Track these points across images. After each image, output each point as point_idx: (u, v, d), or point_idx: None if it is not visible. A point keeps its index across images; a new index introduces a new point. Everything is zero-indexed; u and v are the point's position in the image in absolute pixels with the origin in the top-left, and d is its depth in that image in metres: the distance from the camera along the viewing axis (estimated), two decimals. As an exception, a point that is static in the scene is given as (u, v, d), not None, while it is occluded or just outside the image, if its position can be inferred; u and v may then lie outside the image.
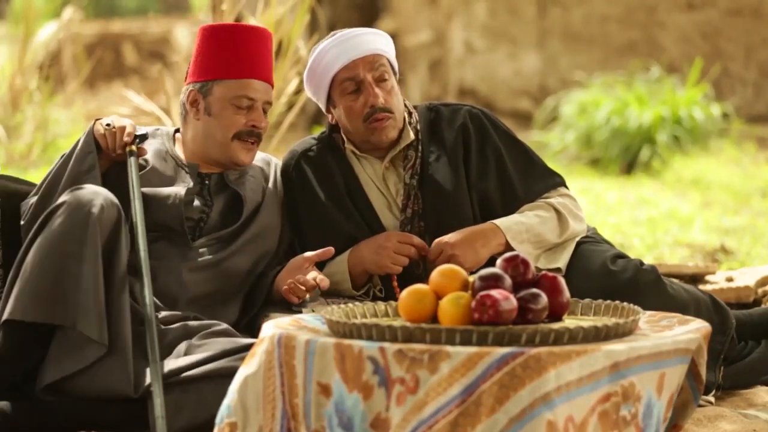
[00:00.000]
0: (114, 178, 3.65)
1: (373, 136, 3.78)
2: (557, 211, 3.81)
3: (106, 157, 3.64)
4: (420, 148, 3.85)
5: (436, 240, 3.74)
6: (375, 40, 3.81)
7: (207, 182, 3.76)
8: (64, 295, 3.26)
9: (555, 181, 3.90)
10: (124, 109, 6.24)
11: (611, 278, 3.66)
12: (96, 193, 3.34)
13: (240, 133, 3.71)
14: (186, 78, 3.79)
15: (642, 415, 2.75)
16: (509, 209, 3.83)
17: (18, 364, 3.38)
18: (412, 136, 3.84)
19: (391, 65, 3.85)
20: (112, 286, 3.34)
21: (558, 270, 3.74)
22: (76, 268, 3.28)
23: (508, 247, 3.72)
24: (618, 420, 2.70)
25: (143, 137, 3.68)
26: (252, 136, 3.73)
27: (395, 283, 3.75)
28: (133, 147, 3.63)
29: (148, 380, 3.31)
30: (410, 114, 3.89)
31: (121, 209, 3.38)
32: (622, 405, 2.71)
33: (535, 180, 3.87)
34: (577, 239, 3.83)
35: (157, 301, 3.54)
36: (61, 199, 3.35)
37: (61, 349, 3.29)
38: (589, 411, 2.66)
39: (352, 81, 3.77)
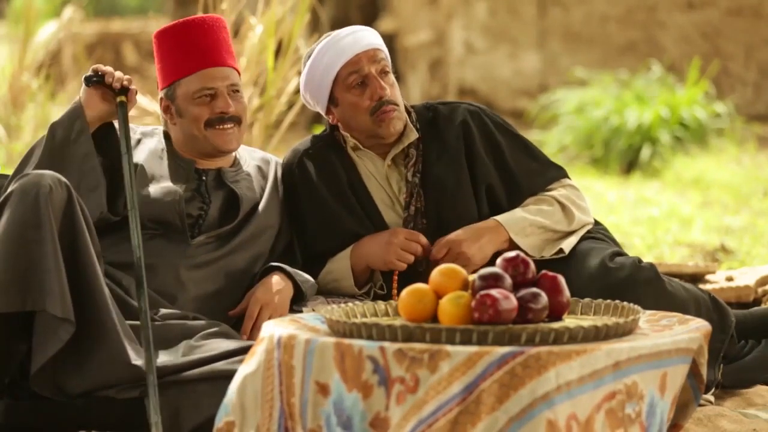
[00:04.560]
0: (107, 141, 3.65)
1: (380, 129, 3.78)
2: (561, 203, 3.83)
3: (97, 118, 3.60)
4: (421, 146, 3.86)
5: (442, 239, 3.74)
6: (371, 36, 3.83)
7: (204, 179, 3.76)
8: (32, 281, 3.25)
9: (557, 174, 3.91)
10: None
11: (609, 276, 3.66)
12: (42, 176, 3.34)
13: (210, 121, 3.70)
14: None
15: (645, 413, 2.75)
16: (514, 204, 3.84)
17: (6, 358, 3.38)
18: (415, 134, 3.84)
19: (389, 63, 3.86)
20: (79, 270, 3.33)
21: (560, 251, 3.75)
22: (38, 252, 3.27)
23: (512, 243, 3.73)
24: (624, 418, 2.71)
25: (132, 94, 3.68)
26: (223, 122, 3.72)
27: (395, 282, 3.76)
28: (123, 98, 3.60)
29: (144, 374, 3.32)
30: (409, 113, 3.90)
31: (71, 188, 3.37)
32: (627, 403, 2.71)
33: (537, 173, 3.89)
34: (584, 231, 3.84)
35: (158, 296, 3.54)
36: (9, 189, 3.34)
37: (40, 335, 3.29)
38: (594, 408, 2.66)
39: (356, 74, 3.77)
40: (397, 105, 3.79)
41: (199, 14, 5.57)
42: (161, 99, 3.77)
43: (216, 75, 3.72)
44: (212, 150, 3.73)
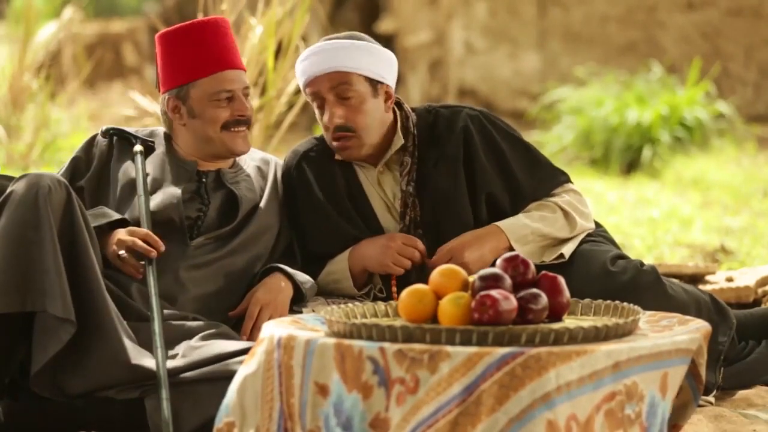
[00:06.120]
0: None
1: (338, 153, 3.81)
2: (564, 210, 3.82)
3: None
4: (416, 153, 3.85)
5: (444, 246, 3.74)
6: (344, 56, 3.75)
7: (204, 180, 3.76)
8: (32, 282, 3.26)
9: (560, 179, 3.91)
10: (128, 110, 6.23)
11: (611, 279, 3.66)
12: (41, 176, 3.35)
13: (227, 123, 3.72)
14: (158, 87, 3.80)
15: (646, 414, 2.76)
16: (516, 210, 3.83)
17: (6, 358, 3.38)
18: (402, 140, 3.82)
19: (371, 79, 3.77)
20: (79, 270, 3.33)
21: (561, 256, 3.75)
22: (37, 253, 3.28)
23: (512, 250, 3.72)
24: (623, 418, 2.71)
25: (150, 148, 3.77)
26: (239, 124, 3.74)
27: (394, 286, 3.75)
28: (140, 147, 3.67)
29: (146, 374, 3.32)
30: (407, 118, 3.88)
31: (70, 188, 3.38)
32: (627, 404, 2.71)
33: (540, 179, 3.87)
34: (584, 235, 3.84)
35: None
36: (8, 190, 3.35)
37: (40, 336, 3.29)
38: (594, 409, 2.67)
39: (315, 96, 3.78)
40: (353, 132, 3.76)
41: (200, 15, 5.58)
42: (169, 99, 3.76)
43: (233, 78, 3.73)
44: (225, 152, 3.75)
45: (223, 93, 3.71)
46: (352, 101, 3.75)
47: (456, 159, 3.83)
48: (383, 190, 3.86)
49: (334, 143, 3.78)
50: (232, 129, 3.73)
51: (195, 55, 3.72)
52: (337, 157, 3.86)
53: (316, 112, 3.81)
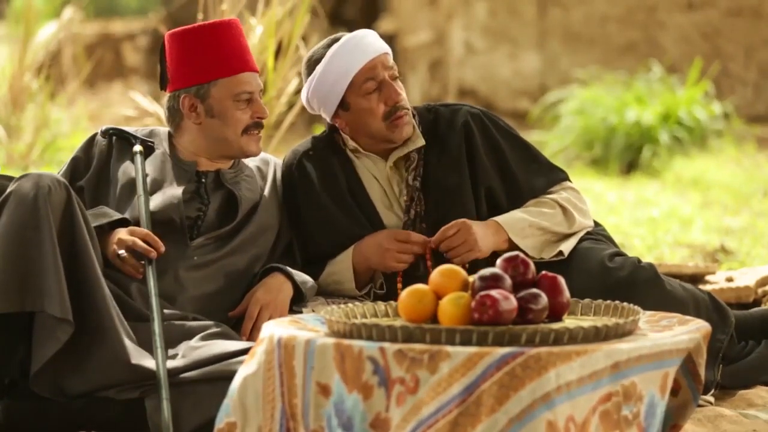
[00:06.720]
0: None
1: (393, 133, 3.79)
2: (562, 206, 3.83)
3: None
4: (422, 150, 3.86)
5: (454, 221, 3.75)
6: (379, 40, 3.84)
7: (203, 180, 3.76)
8: (31, 282, 3.26)
9: (559, 176, 3.92)
10: (128, 110, 6.23)
11: (609, 276, 3.66)
12: (40, 176, 3.35)
13: (248, 126, 3.74)
14: (165, 85, 3.78)
15: (644, 414, 2.75)
16: (514, 207, 3.84)
17: (6, 359, 3.38)
18: (422, 141, 3.84)
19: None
20: (79, 270, 3.33)
21: (560, 254, 3.75)
22: (36, 253, 3.28)
23: (511, 243, 3.74)
24: (620, 420, 2.71)
25: (149, 148, 3.76)
26: (258, 127, 3.76)
27: (399, 283, 3.76)
28: (140, 147, 3.67)
29: (146, 374, 3.32)
30: (414, 116, 3.89)
31: (70, 188, 3.38)
32: (624, 405, 2.71)
33: (538, 176, 3.89)
34: (583, 233, 3.85)
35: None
36: (8, 190, 3.35)
37: (39, 336, 3.29)
38: (590, 411, 2.67)
39: (373, 81, 3.78)
40: (408, 109, 3.81)
41: (200, 15, 5.58)
42: (184, 97, 3.74)
43: (251, 79, 3.75)
44: (239, 154, 3.76)
45: (244, 94, 3.72)
46: (399, 81, 3.83)
47: (459, 155, 3.84)
48: (390, 186, 3.86)
49: (396, 121, 3.79)
50: (251, 132, 3.74)
51: (216, 54, 3.71)
52: (349, 145, 3.84)
53: (367, 99, 3.78)
